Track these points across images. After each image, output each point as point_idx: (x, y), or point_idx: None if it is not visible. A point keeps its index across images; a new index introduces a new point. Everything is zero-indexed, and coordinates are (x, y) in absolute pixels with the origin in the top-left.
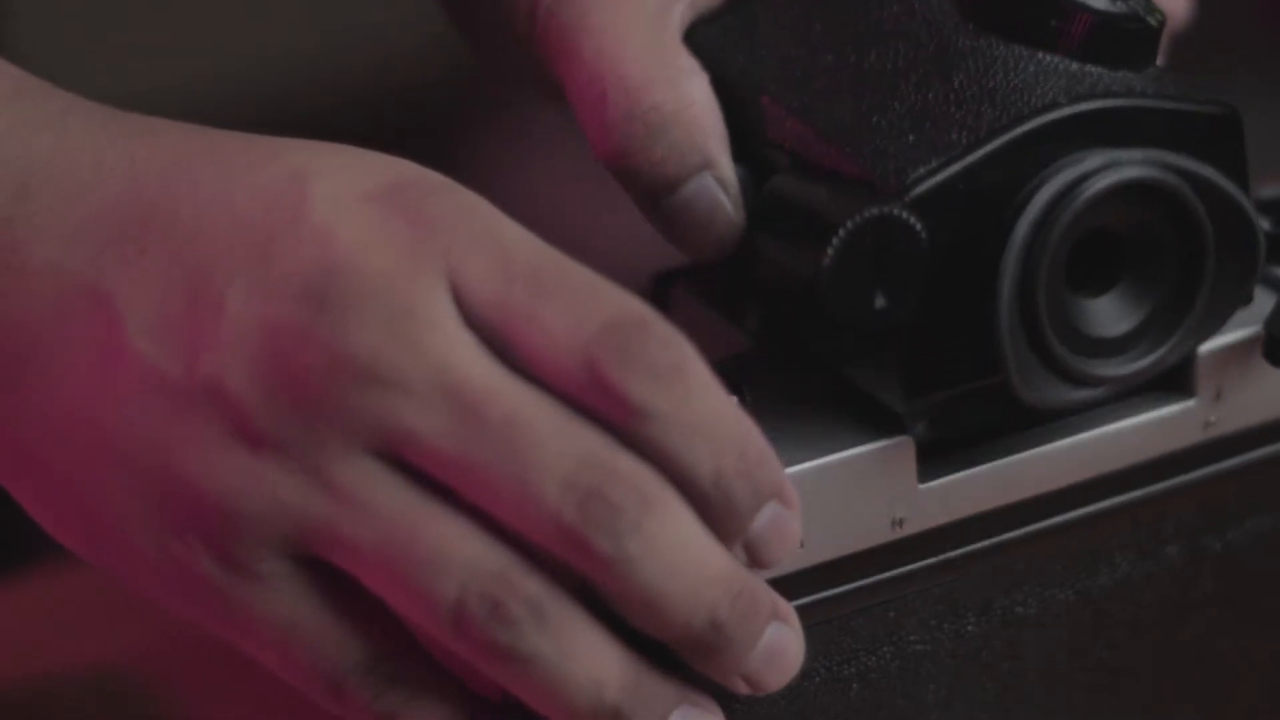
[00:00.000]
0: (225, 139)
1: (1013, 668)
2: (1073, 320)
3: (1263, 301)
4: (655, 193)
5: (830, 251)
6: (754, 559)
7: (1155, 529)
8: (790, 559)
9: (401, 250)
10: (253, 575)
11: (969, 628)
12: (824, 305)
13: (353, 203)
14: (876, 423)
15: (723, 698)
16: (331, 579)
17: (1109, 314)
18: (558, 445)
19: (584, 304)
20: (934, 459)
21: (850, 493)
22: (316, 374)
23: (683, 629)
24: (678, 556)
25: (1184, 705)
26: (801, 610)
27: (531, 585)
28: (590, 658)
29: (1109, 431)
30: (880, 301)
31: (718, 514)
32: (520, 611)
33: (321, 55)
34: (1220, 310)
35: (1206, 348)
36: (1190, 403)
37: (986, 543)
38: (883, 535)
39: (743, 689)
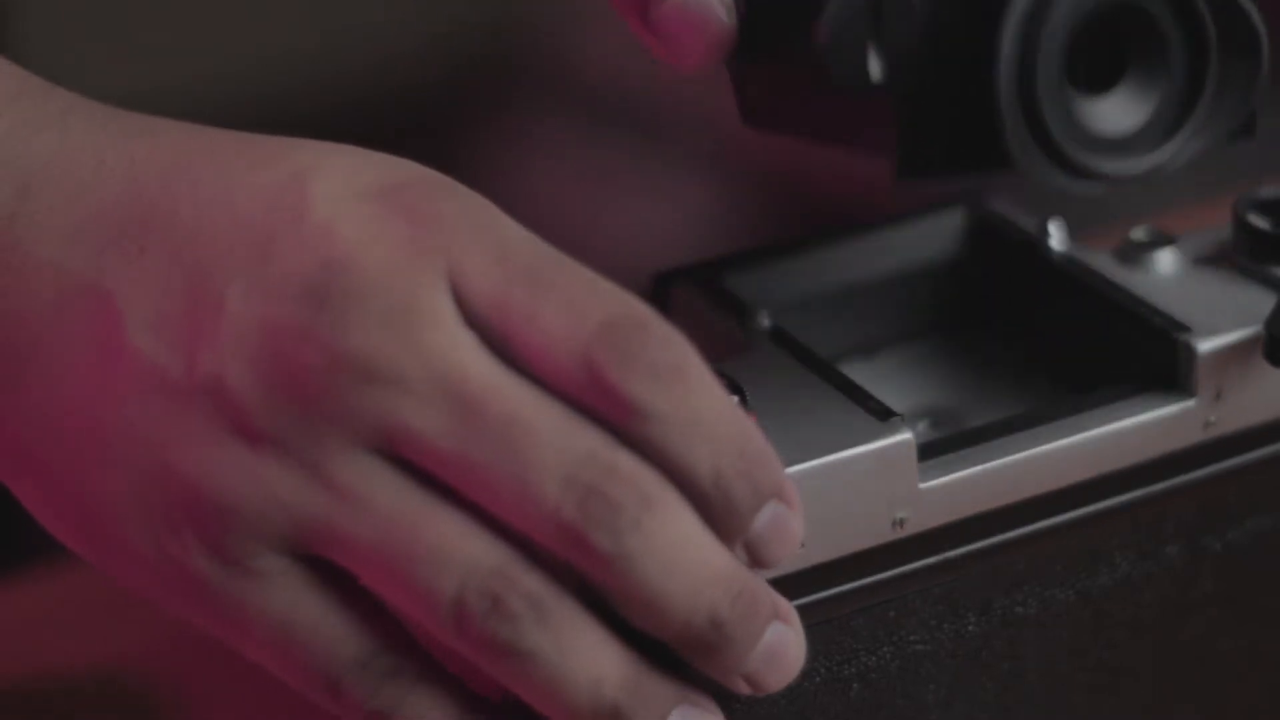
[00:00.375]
0: (226, 139)
1: (1013, 668)
2: (1075, 115)
3: (1263, 301)
4: None
5: (827, 9)
6: (755, 559)
7: (1155, 529)
8: (791, 559)
9: (402, 249)
10: (248, 572)
11: (969, 628)
12: (822, 66)
13: (353, 202)
14: (877, 423)
15: (723, 698)
16: (328, 576)
17: (1112, 110)
18: (558, 444)
19: (583, 303)
20: (934, 459)
21: (851, 493)
22: (316, 372)
23: (683, 627)
24: (678, 555)
25: (1184, 705)
26: (802, 610)
27: (531, 581)
28: (590, 655)
29: (1109, 431)
30: (876, 69)
31: (718, 514)
32: (520, 607)
33: (321, 55)
34: (1225, 115)
35: (1207, 347)
36: (1190, 403)
37: (987, 543)
38: (883, 535)
39: (744, 689)
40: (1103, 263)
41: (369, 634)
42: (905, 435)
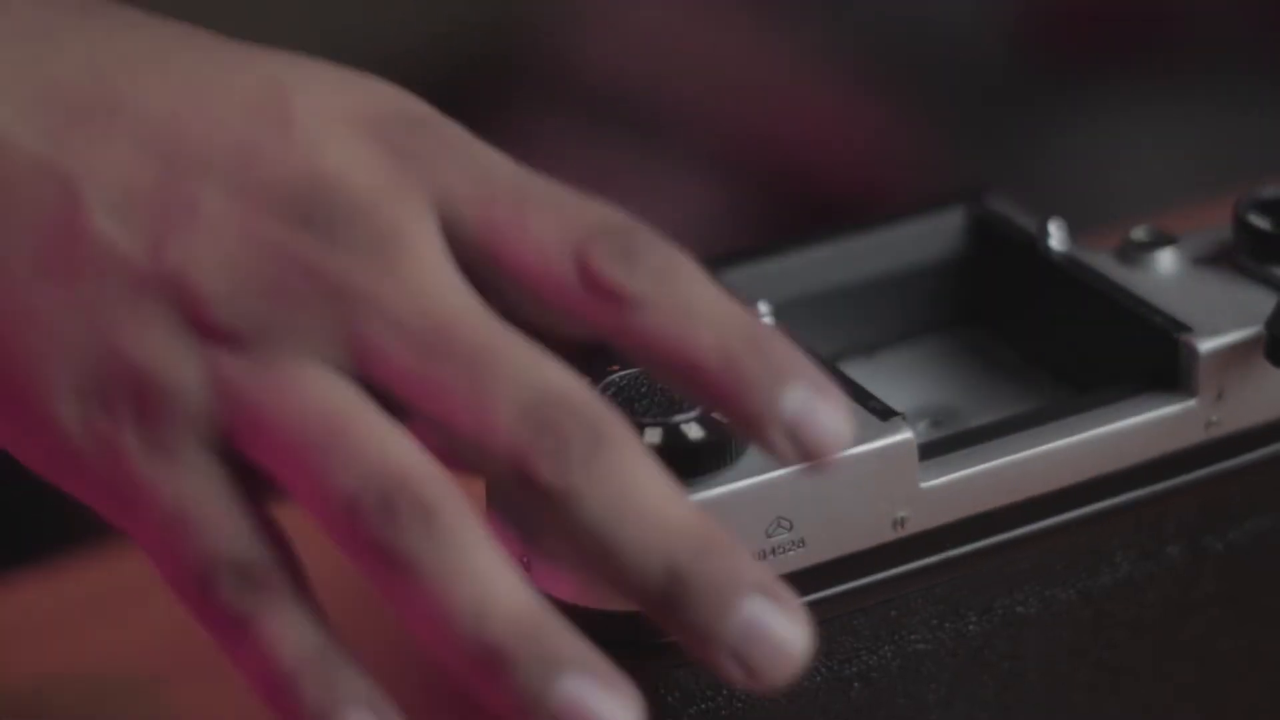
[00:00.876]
0: (189, 34)
1: (1014, 667)
2: None
3: (1263, 301)
4: None
5: None
6: (802, 451)
7: (1156, 529)
8: (791, 558)
9: (389, 174)
10: (170, 456)
11: (970, 627)
12: None
13: (338, 123)
14: (878, 422)
15: (722, 696)
16: (242, 485)
17: None
18: (522, 376)
19: (574, 212)
20: (935, 458)
21: (851, 492)
22: (290, 281)
23: (639, 579)
24: (630, 499)
25: (1184, 705)
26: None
27: (432, 493)
28: (480, 582)
29: (1110, 431)
30: None
31: (736, 397)
32: (410, 512)
33: (322, 55)
34: None
35: (1208, 347)
36: (1191, 403)
37: (988, 542)
38: (884, 535)
39: (738, 676)
40: (1103, 263)
41: (257, 543)
42: (906, 434)
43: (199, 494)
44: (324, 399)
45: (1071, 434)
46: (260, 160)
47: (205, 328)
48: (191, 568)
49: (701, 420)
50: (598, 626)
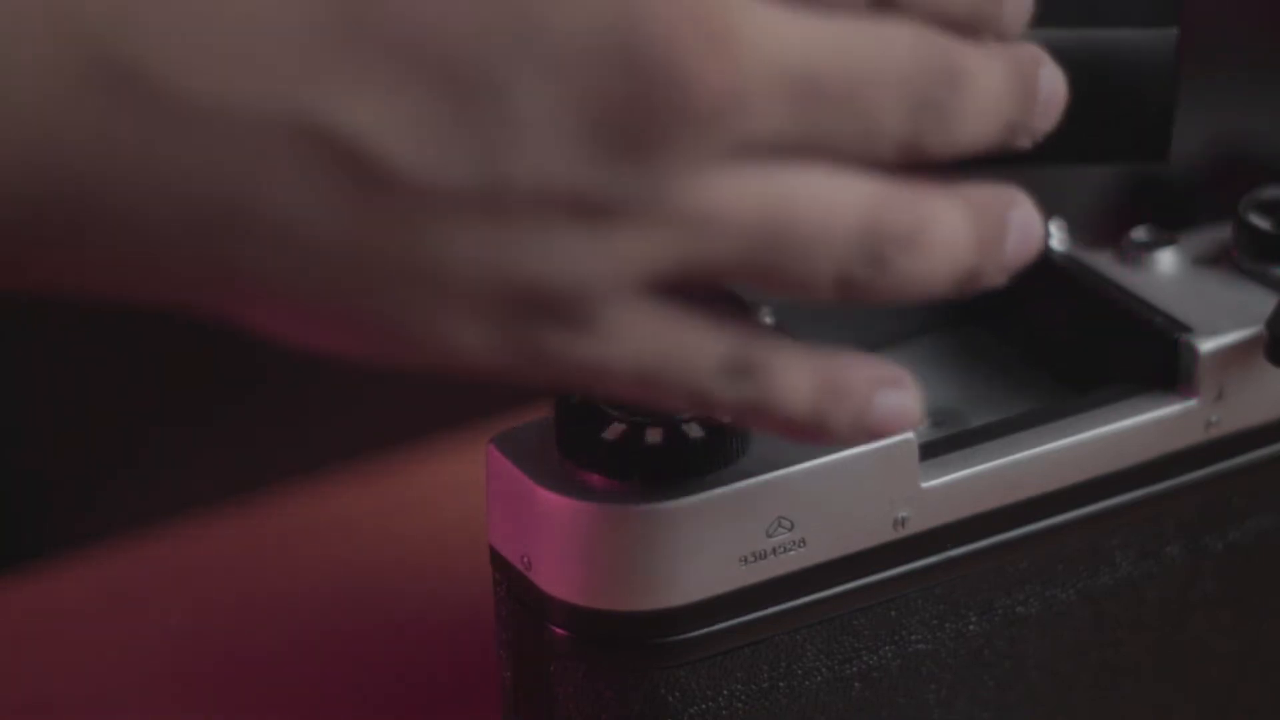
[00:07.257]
0: None
1: (1014, 667)
2: None
3: (1263, 301)
4: None
5: None
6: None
7: (1156, 529)
8: (792, 558)
9: None
10: (601, 332)
11: (971, 627)
12: None
13: None
14: None
15: (722, 696)
16: (667, 299)
17: None
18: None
19: None
20: (936, 458)
21: (853, 492)
22: (648, 120)
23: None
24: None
25: (1184, 705)
26: (803, 609)
27: (917, 211)
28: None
29: (1110, 431)
30: None
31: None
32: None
33: None
34: None
35: (1208, 347)
36: (1191, 403)
37: (988, 542)
38: (885, 534)
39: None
40: (1103, 263)
41: (718, 339)
42: (907, 434)
43: (641, 346)
44: (753, 201)
45: (1071, 434)
46: (548, 19)
47: (588, 212)
48: (681, 399)
49: (702, 420)
50: (598, 626)
